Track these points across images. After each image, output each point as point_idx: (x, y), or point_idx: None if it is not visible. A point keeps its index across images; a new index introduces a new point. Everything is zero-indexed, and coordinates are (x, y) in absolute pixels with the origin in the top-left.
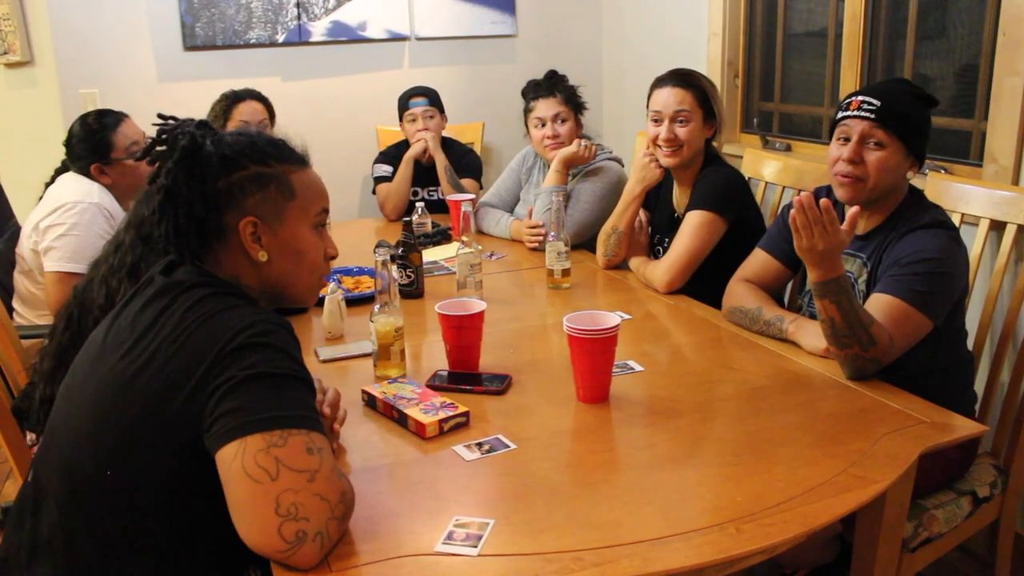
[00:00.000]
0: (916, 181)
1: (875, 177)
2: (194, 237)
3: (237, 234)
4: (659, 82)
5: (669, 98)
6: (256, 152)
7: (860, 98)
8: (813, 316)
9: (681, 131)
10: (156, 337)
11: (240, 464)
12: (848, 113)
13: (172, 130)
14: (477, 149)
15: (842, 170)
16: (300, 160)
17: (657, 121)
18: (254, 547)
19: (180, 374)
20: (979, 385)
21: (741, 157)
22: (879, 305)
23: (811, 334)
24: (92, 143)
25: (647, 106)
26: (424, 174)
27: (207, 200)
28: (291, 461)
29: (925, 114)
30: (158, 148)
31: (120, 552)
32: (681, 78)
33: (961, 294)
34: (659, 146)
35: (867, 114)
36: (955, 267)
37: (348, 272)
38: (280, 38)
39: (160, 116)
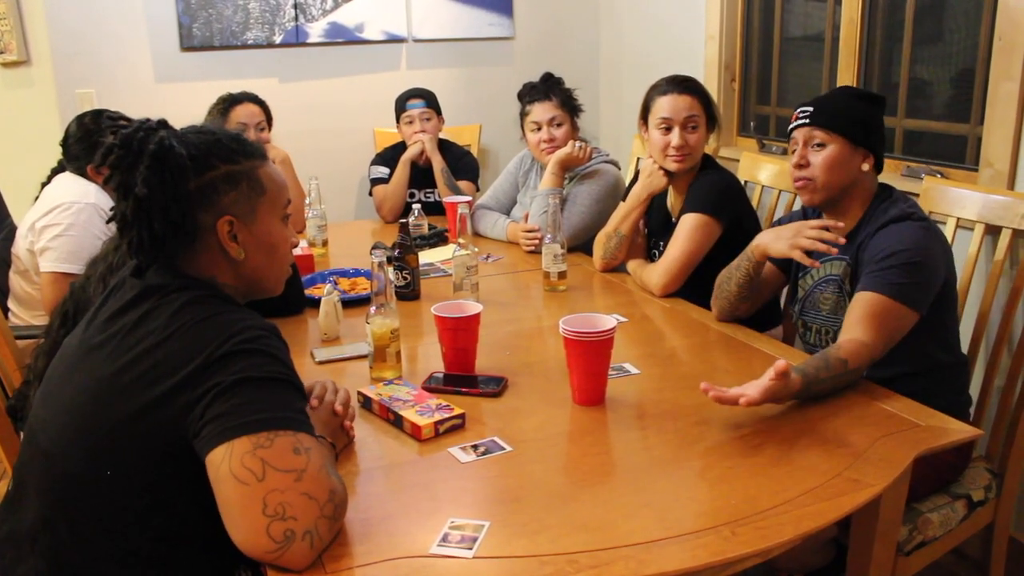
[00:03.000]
0: (912, 185)
1: (823, 174)
2: (170, 241)
3: (212, 234)
4: (662, 89)
5: (678, 104)
6: (223, 150)
7: (799, 109)
8: (805, 325)
9: (691, 137)
10: (141, 341)
11: (228, 467)
12: (792, 125)
13: (134, 134)
14: (474, 151)
15: (795, 175)
16: (262, 154)
17: (667, 128)
18: (244, 549)
19: (165, 378)
20: (974, 389)
21: (738, 160)
22: (859, 303)
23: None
24: (88, 143)
25: (644, 114)
26: (421, 176)
27: (181, 203)
28: (277, 461)
29: (866, 108)
30: (118, 152)
31: (104, 554)
32: (685, 84)
33: (948, 285)
34: (668, 154)
35: (803, 120)
36: (927, 255)
37: (344, 274)
38: (277, 39)
39: (109, 117)
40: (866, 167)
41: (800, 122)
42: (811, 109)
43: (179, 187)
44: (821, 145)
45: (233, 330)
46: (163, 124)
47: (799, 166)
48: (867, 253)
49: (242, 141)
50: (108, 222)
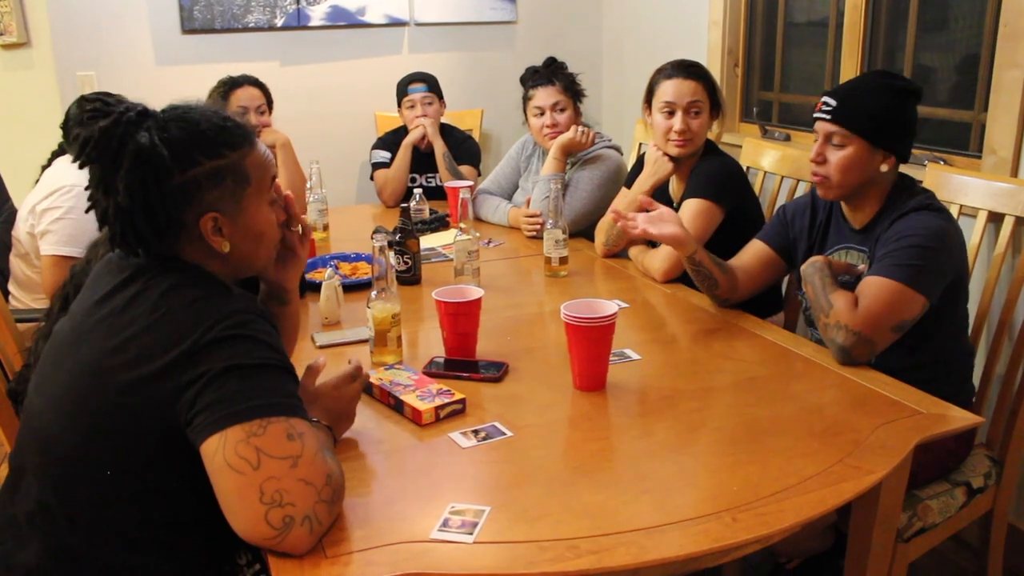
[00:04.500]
0: (915, 172)
1: (837, 175)
2: (152, 237)
3: (196, 228)
4: (667, 73)
5: (682, 89)
6: (207, 144)
7: (824, 98)
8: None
9: (694, 123)
10: (129, 325)
11: (222, 456)
12: (815, 114)
13: (113, 128)
14: (476, 136)
15: (812, 170)
16: (250, 140)
17: (670, 113)
18: (244, 536)
19: (153, 359)
20: (975, 376)
21: (740, 146)
22: (866, 286)
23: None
24: None
25: (649, 97)
26: (422, 160)
27: (164, 202)
28: (272, 448)
29: (895, 106)
30: (97, 147)
31: (102, 539)
32: (691, 70)
33: (960, 277)
34: (669, 138)
35: (825, 115)
36: (941, 242)
37: (345, 258)
38: (279, 22)
39: (85, 99)
40: (885, 168)
41: (822, 115)
42: (835, 103)
43: (161, 187)
44: (840, 144)
45: (221, 314)
46: (143, 115)
47: (816, 162)
48: (881, 242)
49: (227, 130)
50: (87, 211)
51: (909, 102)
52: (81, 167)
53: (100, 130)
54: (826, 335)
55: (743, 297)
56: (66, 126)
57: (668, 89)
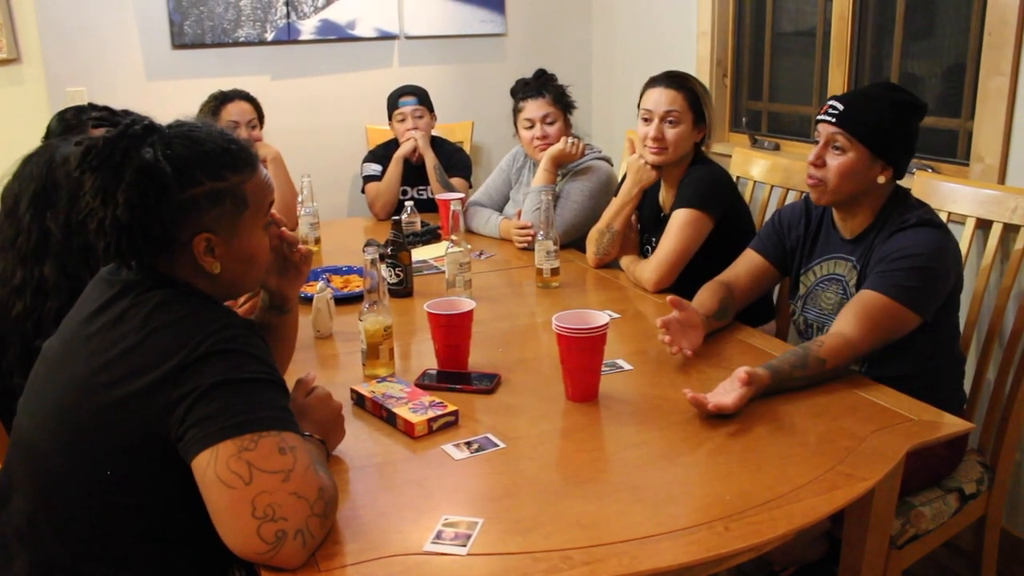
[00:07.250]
0: (903, 180)
1: (834, 180)
2: (146, 252)
3: (189, 247)
4: (652, 82)
5: (660, 98)
6: (210, 164)
7: (831, 101)
8: (807, 322)
9: (670, 132)
10: (118, 342)
11: (214, 471)
12: (819, 116)
13: (118, 141)
14: (466, 148)
15: (808, 172)
16: (252, 163)
17: (647, 120)
18: (237, 551)
19: (142, 375)
20: (966, 383)
21: (730, 156)
22: (860, 301)
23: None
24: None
25: (639, 105)
26: (413, 173)
27: (162, 219)
28: (263, 463)
29: (900, 119)
30: (100, 156)
31: (91, 554)
32: (674, 79)
33: (955, 291)
34: (646, 144)
35: (830, 118)
36: (941, 262)
37: (337, 271)
38: (269, 36)
39: (92, 106)
40: (882, 179)
41: (827, 118)
42: (841, 108)
43: (160, 204)
44: (841, 149)
45: (210, 329)
46: (149, 129)
47: (814, 164)
48: (878, 254)
49: (231, 152)
50: (82, 218)
51: (914, 117)
52: (80, 175)
53: (104, 140)
54: (830, 376)
55: (738, 309)
56: (48, 140)
57: (649, 97)
